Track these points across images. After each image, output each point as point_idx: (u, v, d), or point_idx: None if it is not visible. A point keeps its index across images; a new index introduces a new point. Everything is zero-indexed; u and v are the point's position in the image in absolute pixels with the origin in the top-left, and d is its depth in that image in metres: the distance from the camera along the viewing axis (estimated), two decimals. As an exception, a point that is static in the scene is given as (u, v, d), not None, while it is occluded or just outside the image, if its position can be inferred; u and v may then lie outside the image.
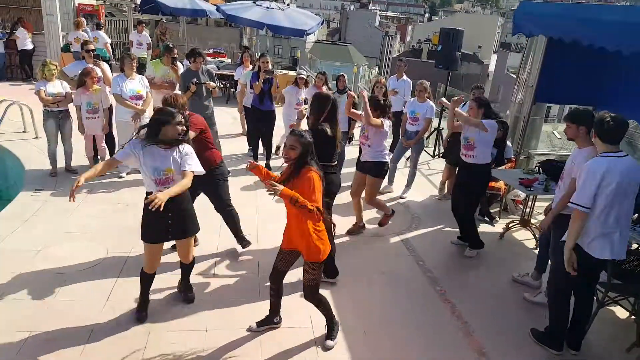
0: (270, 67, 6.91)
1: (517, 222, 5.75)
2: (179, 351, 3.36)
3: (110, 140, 6.51)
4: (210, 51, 12.27)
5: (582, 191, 3.23)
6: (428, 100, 6.49)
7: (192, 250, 3.83)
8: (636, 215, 4.51)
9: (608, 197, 3.20)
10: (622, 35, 3.93)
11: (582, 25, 4.42)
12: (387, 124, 4.93)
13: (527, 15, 5.34)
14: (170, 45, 6.68)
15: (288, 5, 14.23)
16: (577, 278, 3.39)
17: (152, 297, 3.74)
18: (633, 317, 3.97)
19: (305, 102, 7.33)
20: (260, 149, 7.31)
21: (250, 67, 7.80)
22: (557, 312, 3.68)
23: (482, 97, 5.21)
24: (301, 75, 7.53)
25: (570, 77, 5.73)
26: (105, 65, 6.64)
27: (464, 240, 5.26)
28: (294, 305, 3.88)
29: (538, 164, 5.78)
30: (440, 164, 7.57)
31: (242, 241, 4.72)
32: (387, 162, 5.07)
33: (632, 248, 4.63)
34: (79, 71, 6.08)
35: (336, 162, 4.24)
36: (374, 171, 5.01)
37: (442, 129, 8.54)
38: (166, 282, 4.08)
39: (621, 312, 4.24)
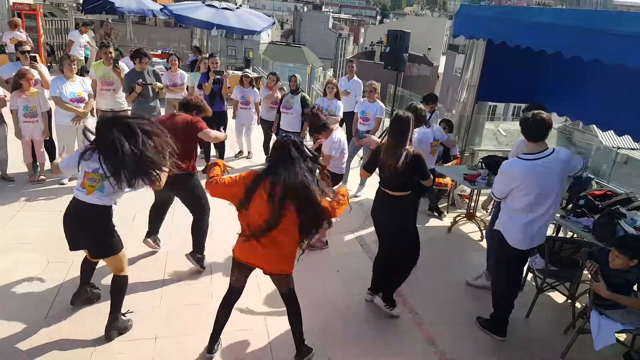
0: (219, 67, 6.84)
1: (464, 215, 5.97)
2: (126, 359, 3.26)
3: (49, 145, 6.21)
4: (159, 52, 11.96)
5: (496, 183, 3.63)
6: (378, 100, 6.63)
7: (124, 264, 3.43)
8: (570, 205, 4.79)
9: (516, 193, 3.46)
10: (552, 36, 4.17)
11: (515, 27, 4.65)
12: (338, 136, 4.91)
13: (467, 18, 5.55)
14: (106, 43, 6.49)
15: (240, 6, 14.09)
16: (502, 260, 3.72)
17: (97, 306, 3.62)
18: (570, 301, 4.20)
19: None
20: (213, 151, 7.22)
21: (179, 71, 7.75)
22: (499, 299, 3.86)
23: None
24: (246, 74, 7.49)
25: (509, 76, 5.99)
26: (43, 67, 6.35)
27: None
28: (246, 309, 3.85)
29: (480, 160, 6.01)
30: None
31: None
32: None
33: (568, 236, 4.92)
34: (14, 73, 5.78)
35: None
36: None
37: (392, 128, 8.71)
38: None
39: (559, 297, 4.48)
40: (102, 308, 3.60)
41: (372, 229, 5.65)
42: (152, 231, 4.63)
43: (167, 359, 3.33)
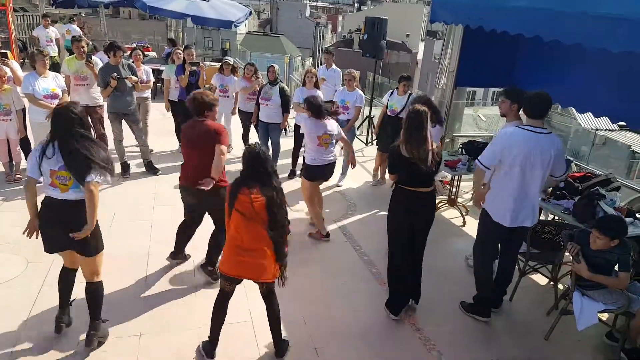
0: (194, 58, 6.72)
1: (445, 202, 6.02)
2: (112, 357, 3.23)
3: (25, 143, 6.06)
4: (134, 45, 11.70)
5: (487, 150, 3.57)
6: (357, 89, 6.61)
7: (100, 267, 3.29)
8: (550, 188, 4.86)
9: (507, 163, 3.46)
10: (530, 20, 4.17)
11: (493, 12, 4.64)
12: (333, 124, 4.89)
13: (444, 4, 5.52)
14: (77, 37, 6.33)
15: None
16: (488, 241, 3.77)
17: (78, 302, 3.54)
18: (552, 283, 4.28)
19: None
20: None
21: (144, 67, 7.32)
22: (481, 279, 3.93)
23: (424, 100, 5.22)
24: (226, 61, 7.38)
25: (486, 61, 6.00)
26: (14, 64, 6.18)
27: None
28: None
29: (461, 146, 6.06)
30: (373, 151, 7.73)
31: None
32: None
33: (549, 219, 5.00)
34: (-15, 71, 5.60)
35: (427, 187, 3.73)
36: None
37: (373, 116, 8.73)
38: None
39: (541, 279, 4.56)
40: (83, 308, 3.53)
41: (355, 218, 5.71)
42: (179, 251, 4.41)
43: (152, 356, 3.30)
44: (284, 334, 3.44)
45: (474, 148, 5.62)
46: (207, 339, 3.29)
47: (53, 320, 3.41)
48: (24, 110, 5.82)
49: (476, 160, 3.65)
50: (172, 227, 4.43)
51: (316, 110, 4.75)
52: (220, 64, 7.58)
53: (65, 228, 3.07)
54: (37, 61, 5.60)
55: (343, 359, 3.44)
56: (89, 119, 6.22)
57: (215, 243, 4.08)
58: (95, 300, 3.28)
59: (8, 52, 6.75)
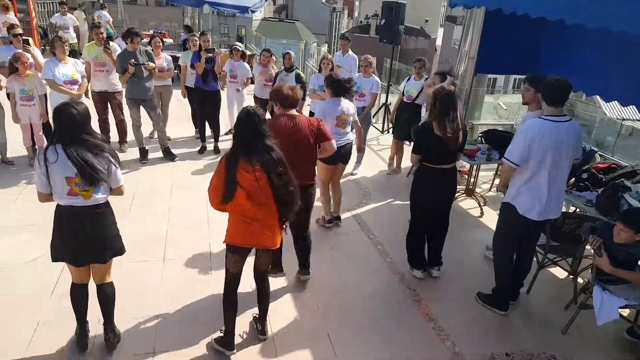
0: (210, 45, 6.70)
1: (463, 192, 5.93)
2: (128, 338, 3.29)
3: (47, 128, 6.15)
4: (151, 32, 11.74)
5: (512, 146, 3.47)
6: (373, 75, 6.52)
7: (111, 269, 3.18)
8: (573, 179, 4.75)
9: (537, 156, 3.36)
10: (554, 2, 4.04)
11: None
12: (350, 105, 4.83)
13: (465, -13, 5.39)
14: (96, 24, 6.36)
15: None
16: (511, 234, 3.70)
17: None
18: (571, 276, 4.20)
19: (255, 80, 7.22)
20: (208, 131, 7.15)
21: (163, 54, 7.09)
22: (501, 272, 3.86)
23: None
24: (235, 46, 7.34)
25: (509, 47, 5.87)
26: (36, 51, 6.27)
27: None
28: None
29: (480, 134, 5.95)
30: (389, 139, 7.66)
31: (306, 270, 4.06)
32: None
33: (570, 211, 4.90)
34: (8, 57, 5.68)
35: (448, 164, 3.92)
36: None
37: (390, 104, 8.63)
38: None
39: (560, 272, 4.48)
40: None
41: (369, 207, 5.68)
42: (302, 264, 4.08)
43: (169, 339, 3.34)
44: (298, 318, 3.46)
45: (494, 137, 5.51)
46: (221, 334, 3.25)
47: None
48: (45, 95, 5.90)
49: (503, 159, 3.54)
50: (189, 212, 4.48)
51: (336, 85, 4.66)
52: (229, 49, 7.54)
53: (93, 239, 2.91)
54: (56, 47, 5.66)
55: (355, 346, 3.44)
56: (109, 104, 6.35)
57: (307, 245, 3.96)
58: (111, 302, 3.17)
59: (30, 38, 6.80)
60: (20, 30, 6.26)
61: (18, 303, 3.57)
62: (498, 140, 5.43)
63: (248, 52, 9.58)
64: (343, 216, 5.26)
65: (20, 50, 5.86)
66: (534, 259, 4.09)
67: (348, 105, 4.78)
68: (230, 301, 3.19)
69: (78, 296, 3.11)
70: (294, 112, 3.64)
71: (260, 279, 3.34)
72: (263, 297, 3.36)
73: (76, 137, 2.77)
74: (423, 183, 3.99)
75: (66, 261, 2.98)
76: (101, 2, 12.18)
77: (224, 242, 3.07)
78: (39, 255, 4.10)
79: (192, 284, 3.96)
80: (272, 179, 2.86)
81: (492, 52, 6.03)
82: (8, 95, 5.66)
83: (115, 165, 2.91)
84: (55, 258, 2.97)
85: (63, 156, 2.73)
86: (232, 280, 3.18)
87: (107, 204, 2.98)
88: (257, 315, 3.46)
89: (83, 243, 2.90)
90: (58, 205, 2.87)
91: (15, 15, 10.83)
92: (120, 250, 3.09)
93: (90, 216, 2.88)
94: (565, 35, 5.37)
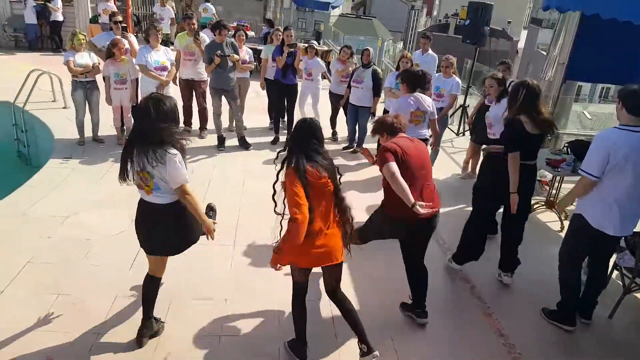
0: (293, 40, 6.84)
1: (543, 203, 5.65)
2: (199, 318, 3.46)
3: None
4: (234, 24, 12.17)
5: (589, 158, 3.27)
6: (454, 76, 6.37)
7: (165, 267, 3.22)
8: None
9: (615, 167, 3.16)
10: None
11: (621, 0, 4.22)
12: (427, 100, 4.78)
13: (561, -11, 5.12)
14: (189, 15, 6.68)
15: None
16: (580, 248, 3.51)
17: (171, 265, 3.83)
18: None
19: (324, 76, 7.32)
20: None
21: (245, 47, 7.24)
22: (566, 286, 3.67)
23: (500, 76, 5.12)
24: (311, 44, 7.43)
25: (604, 54, 5.52)
26: (132, 37, 6.71)
27: None
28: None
29: (566, 144, 5.63)
30: (465, 142, 7.45)
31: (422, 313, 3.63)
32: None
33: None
34: (108, 42, 6.13)
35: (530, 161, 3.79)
36: None
37: (468, 106, 8.38)
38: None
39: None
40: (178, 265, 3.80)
41: (440, 210, 5.51)
42: (416, 304, 3.67)
43: (235, 321, 3.49)
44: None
45: (581, 147, 5.20)
46: (296, 339, 3.15)
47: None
48: (137, 80, 6.30)
49: (580, 171, 3.36)
50: (260, 200, 4.60)
51: (411, 79, 4.60)
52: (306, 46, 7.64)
53: (158, 234, 2.98)
54: (150, 35, 6.05)
55: (421, 353, 3.38)
56: (193, 92, 6.67)
57: (424, 276, 3.61)
58: (151, 297, 3.16)
59: (126, 25, 7.31)
60: (120, 18, 6.73)
61: (100, 274, 3.85)
62: (586, 151, 5.11)
63: (325, 48, 9.65)
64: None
65: (118, 37, 6.30)
66: (620, 282, 3.81)
67: (424, 101, 4.71)
68: (298, 309, 3.09)
69: (147, 286, 3.14)
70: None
71: (333, 294, 3.12)
72: (346, 314, 3.10)
73: (143, 129, 2.77)
74: (501, 174, 3.73)
75: (142, 247, 3.10)
76: None
77: (287, 262, 2.91)
78: (121, 230, 4.40)
79: (261, 272, 4.05)
80: (336, 186, 2.81)
81: (585, 58, 5.70)
82: (104, 78, 6.09)
83: (175, 161, 2.75)
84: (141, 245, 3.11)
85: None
86: (299, 289, 3.06)
87: (171, 206, 2.91)
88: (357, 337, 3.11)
89: (151, 236, 3.01)
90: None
91: (115, 3, 11.66)
92: (168, 252, 3.09)
93: (151, 212, 2.94)
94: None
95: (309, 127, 2.84)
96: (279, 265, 2.85)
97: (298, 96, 7.25)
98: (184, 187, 2.81)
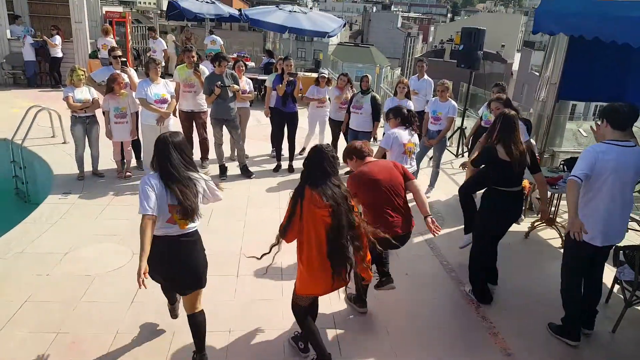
0: (293, 69, 6.96)
1: (543, 221, 5.63)
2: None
3: (135, 144, 6.64)
4: (234, 55, 12.43)
5: (576, 164, 3.39)
6: (450, 99, 6.45)
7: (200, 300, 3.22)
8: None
9: (598, 178, 3.31)
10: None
11: (604, 23, 4.33)
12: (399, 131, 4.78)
13: (549, 14, 5.24)
14: (189, 47, 6.81)
15: (310, 8, 14.35)
16: (578, 262, 3.58)
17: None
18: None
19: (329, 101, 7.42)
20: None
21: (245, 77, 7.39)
22: (569, 300, 3.68)
23: (505, 98, 5.19)
24: (322, 74, 7.56)
25: (593, 74, 5.62)
26: (132, 72, 6.80)
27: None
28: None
29: (562, 162, 5.68)
30: (464, 163, 7.47)
31: None
32: None
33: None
34: (107, 77, 6.22)
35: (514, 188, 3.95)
36: None
37: (465, 128, 8.48)
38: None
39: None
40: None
41: (442, 231, 5.44)
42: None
43: (240, 351, 3.43)
44: (368, 344, 3.43)
45: (577, 165, 5.22)
46: (319, 357, 3.18)
47: (151, 311, 3.70)
48: (137, 113, 6.38)
49: (568, 177, 3.44)
50: (263, 228, 4.57)
51: (402, 116, 4.68)
52: (316, 75, 7.78)
53: (188, 267, 3.00)
54: (150, 69, 6.13)
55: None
56: (194, 123, 6.74)
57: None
58: (203, 330, 3.18)
59: (126, 60, 7.44)
60: (120, 52, 6.85)
61: (100, 310, 3.78)
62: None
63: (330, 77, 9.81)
64: (415, 240, 5.19)
65: (117, 71, 6.39)
66: (621, 296, 3.79)
67: (415, 137, 4.79)
68: (308, 327, 3.16)
69: (195, 323, 3.15)
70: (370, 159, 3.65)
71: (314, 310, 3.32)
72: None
73: (177, 168, 2.90)
74: (497, 207, 3.98)
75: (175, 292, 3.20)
76: (210, 29, 13.28)
77: (296, 293, 3.08)
78: (122, 265, 4.39)
79: (264, 301, 4.04)
80: (337, 215, 2.81)
81: (576, 78, 5.78)
82: (103, 112, 6.15)
83: (208, 186, 3.04)
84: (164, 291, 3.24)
85: (165, 187, 2.87)
86: (302, 312, 3.17)
87: (197, 232, 3.06)
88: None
89: (180, 272, 3.00)
90: (154, 239, 2.86)
91: (114, 38, 11.91)
92: (205, 282, 3.16)
93: (185, 244, 2.97)
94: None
95: (319, 154, 2.92)
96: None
97: (307, 124, 7.35)
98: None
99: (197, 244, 3.06)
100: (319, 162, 2.90)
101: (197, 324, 3.14)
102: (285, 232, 2.87)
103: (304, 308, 3.16)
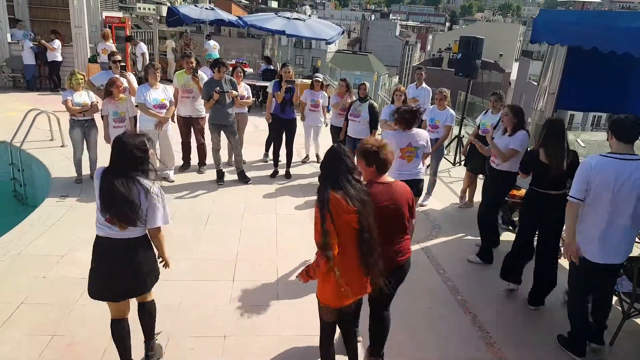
0: (292, 76, 6.98)
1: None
2: (194, 355, 3.40)
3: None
4: (233, 61, 12.48)
5: (574, 183, 3.36)
6: (448, 107, 6.48)
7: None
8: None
9: (596, 194, 3.24)
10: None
11: (601, 33, 4.36)
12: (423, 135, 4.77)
13: (546, 24, 5.28)
14: (188, 53, 6.83)
15: (309, 16, 14.43)
16: (583, 280, 3.52)
17: (170, 302, 3.78)
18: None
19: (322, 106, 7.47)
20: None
21: (243, 83, 7.33)
22: (575, 316, 3.65)
23: (516, 105, 5.15)
24: (317, 78, 7.60)
25: (592, 84, 5.64)
26: (131, 76, 6.81)
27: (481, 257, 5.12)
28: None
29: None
30: (461, 171, 7.49)
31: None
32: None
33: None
34: (106, 81, 6.22)
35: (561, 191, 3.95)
36: None
37: (463, 136, 8.50)
38: (184, 289, 4.12)
39: (649, 324, 4.12)
40: (173, 303, 3.74)
41: (439, 240, 5.56)
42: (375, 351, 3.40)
43: (235, 357, 3.41)
44: (362, 353, 3.41)
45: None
46: None
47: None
48: (135, 117, 6.37)
49: (568, 198, 3.41)
50: (259, 234, 4.61)
51: (408, 116, 4.55)
52: (310, 80, 7.84)
53: (124, 273, 2.87)
54: (149, 74, 6.14)
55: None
56: (192, 128, 6.75)
57: (383, 326, 3.33)
58: (151, 320, 3.19)
59: (125, 64, 7.47)
60: (119, 57, 6.85)
61: (96, 313, 3.62)
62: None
63: (325, 82, 9.88)
64: (413, 248, 5.16)
65: (116, 75, 6.40)
66: (619, 308, 3.79)
67: (421, 136, 4.72)
68: (326, 350, 3.00)
69: (121, 333, 3.05)
70: (387, 178, 3.08)
71: (348, 329, 3.15)
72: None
73: (122, 170, 2.83)
74: (530, 206, 4.22)
75: (104, 299, 2.94)
76: (207, 34, 13.45)
77: (321, 303, 2.88)
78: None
79: (260, 307, 4.02)
80: (364, 216, 2.67)
81: (574, 88, 5.81)
82: (102, 116, 6.15)
83: (158, 202, 2.83)
84: (92, 295, 2.93)
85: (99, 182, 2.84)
86: (327, 328, 2.97)
87: (144, 237, 2.93)
88: None
89: (118, 277, 2.86)
90: (96, 238, 2.87)
91: (113, 42, 11.95)
92: (149, 288, 3.05)
93: (126, 249, 2.84)
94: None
95: (335, 154, 2.80)
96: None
97: (303, 130, 7.41)
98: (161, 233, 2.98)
99: (140, 250, 2.89)
100: (339, 158, 2.77)
101: (148, 312, 3.14)
102: (328, 243, 2.61)
103: (330, 326, 2.96)
